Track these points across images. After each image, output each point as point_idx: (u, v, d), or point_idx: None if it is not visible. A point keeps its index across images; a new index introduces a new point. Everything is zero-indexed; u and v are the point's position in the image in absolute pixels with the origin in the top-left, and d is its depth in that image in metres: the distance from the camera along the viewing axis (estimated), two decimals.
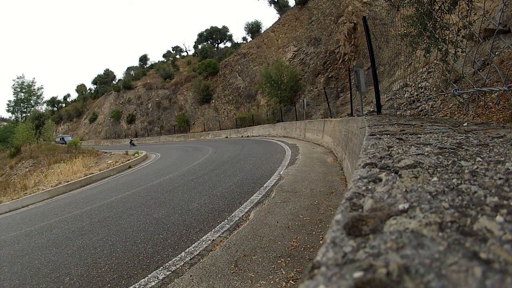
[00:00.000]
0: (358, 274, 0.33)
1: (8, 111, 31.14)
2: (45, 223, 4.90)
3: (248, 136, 20.44)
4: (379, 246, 0.38)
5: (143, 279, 2.34)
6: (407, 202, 0.51)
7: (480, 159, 0.76)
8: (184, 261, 2.52)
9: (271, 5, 30.76)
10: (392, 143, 1.11)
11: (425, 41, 4.28)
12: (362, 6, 16.77)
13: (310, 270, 0.35)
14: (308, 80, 20.03)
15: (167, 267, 2.48)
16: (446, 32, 3.90)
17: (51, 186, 9.06)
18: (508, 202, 0.48)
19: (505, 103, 4.55)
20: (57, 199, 7.63)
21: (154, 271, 2.44)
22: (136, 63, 62.44)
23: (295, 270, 2.14)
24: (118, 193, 6.10)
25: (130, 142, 27.02)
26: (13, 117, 31.19)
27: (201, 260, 2.50)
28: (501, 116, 4.34)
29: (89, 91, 52.68)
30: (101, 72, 58.75)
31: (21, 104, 29.92)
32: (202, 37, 45.23)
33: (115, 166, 10.85)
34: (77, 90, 54.11)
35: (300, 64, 21.18)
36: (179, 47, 52.34)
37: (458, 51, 3.82)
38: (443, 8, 3.97)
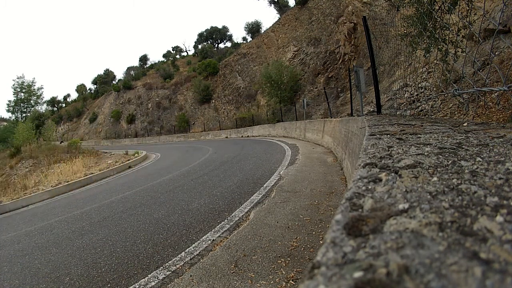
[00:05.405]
0: (358, 274, 0.33)
1: (8, 111, 31.20)
2: (45, 223, 4.90)
3: (248, 136, 20.43)
4: (379, 246, 0.38)
5: (143, 279, 2.35)
6: (407, 202, 0.51)
7: (480, 159, 0.76)
8: (184, 261, 2.53)
9: (271, 5, 30.70)
10: (392, 143, 1.11)
11: (425, 41, 4.27)
12: (362, 6, 16.76)
13: (310, 270, 0.35)
14: (308, 80, 20.02)
15: (167, 267, 2.48)
16: (446, 32, 3.90)
17: (51, 186, 9.05)
18: (508, 202, 0.48)
19: (505, 103, 4.55)
20: (57, 199, 7.63)
21: (154, 271, 2.44)
22: (136, 63, 62.50)
23: (295, 270, 2.14)
24: (118, 193, 6.10)
25: None
26: (13, 117, 31.25)
27: (201, 260, 2.50)
28: (501, 116, 4.34)
29: (89, 91, 52.62)
30: (101, 72, 58.70)
31: (21, 104, 29.97)
32: (202, 37, 45.19)
33: (115, 166, 10.85)
34: (77, 90, 54.11)
35: (300, 64, 21.17)
36: (179, 47, 52.31)
37: (458, 51, 3.82)
38: (443, 8, 3.97)
